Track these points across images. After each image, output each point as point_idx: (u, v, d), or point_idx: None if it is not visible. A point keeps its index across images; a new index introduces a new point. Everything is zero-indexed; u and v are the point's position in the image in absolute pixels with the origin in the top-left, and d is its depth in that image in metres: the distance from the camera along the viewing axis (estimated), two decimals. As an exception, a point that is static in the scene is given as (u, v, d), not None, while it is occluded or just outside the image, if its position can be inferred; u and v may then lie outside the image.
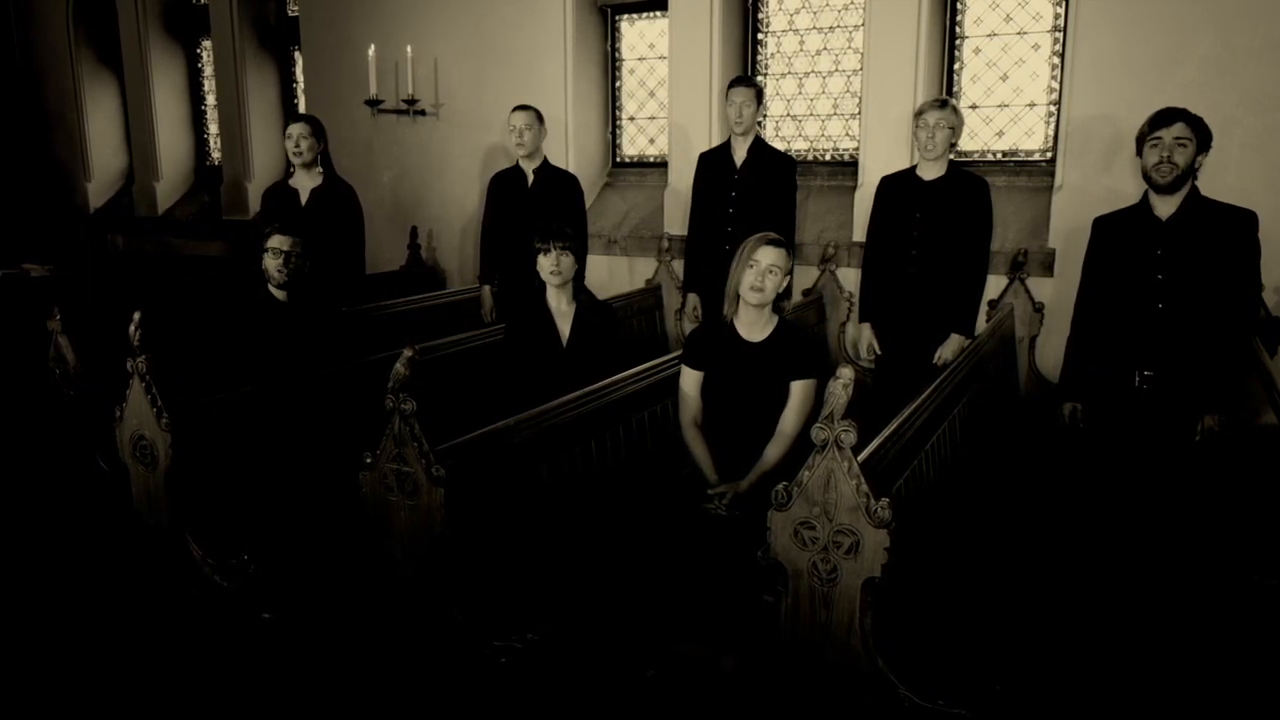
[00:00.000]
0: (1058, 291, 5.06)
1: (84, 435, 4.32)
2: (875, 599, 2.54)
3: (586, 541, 3.30)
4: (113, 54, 9.07)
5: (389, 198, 7.47)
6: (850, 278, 5.57)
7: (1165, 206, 3.60)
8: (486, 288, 5.56)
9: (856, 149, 5.92)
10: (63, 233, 9.35)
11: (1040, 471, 4.22)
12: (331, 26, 7.49)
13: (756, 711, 2.72)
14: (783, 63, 6.28)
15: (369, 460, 2.91)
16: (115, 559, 3.71)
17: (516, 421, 3.16)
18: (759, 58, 6.32)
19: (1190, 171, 3.55)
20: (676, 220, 6.07)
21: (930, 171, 4.41)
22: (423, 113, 7.07)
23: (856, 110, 6.00)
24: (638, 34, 6.76)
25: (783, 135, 6.36)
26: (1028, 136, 5.55)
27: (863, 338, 4.66)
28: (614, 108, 6.93)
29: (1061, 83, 5.18)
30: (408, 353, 2.84)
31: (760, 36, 6.29)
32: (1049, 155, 5.44)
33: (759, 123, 5.20)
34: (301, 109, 8.26)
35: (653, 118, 6.82)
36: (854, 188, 5.77)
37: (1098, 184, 4.92)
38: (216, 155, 9.05)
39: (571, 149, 6.59)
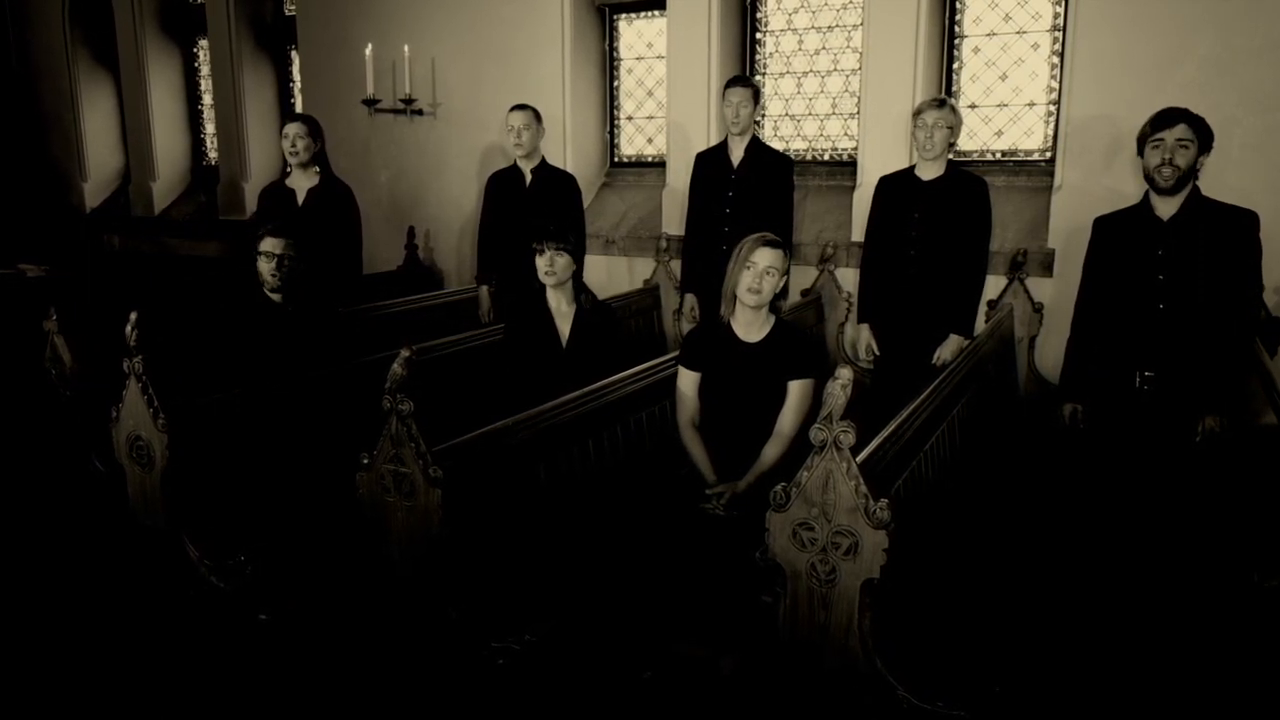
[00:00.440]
0: (1057, 292, 5.05)
1: (80, 436, 4.31)
2: (874, 600, 2.53)
3: (584, 542, 3.29)
4: (109, 54, 9.06)
5: (386, 198, 7.46)
6: (849, 278, 5.56)
7: (1166, 207, 3.59)
8: (484, 288, 5.54)
9: (855, 149, 5.91)
10: (59, 233, 9.34)
11: (1040, 472, 4.21)
12: (328, 26, 7.47)
13: (755, 713, 2.71)
14: (781, 62, 6.27)
15: (366, 461, 2.90)
16: (111, 560, 3.71)
17: (514, 422, 3.15)
18: (757, 57, 6.31)
19: (1192, 172, 3.54)
20: (675, 220, 6.06)
21: (929, 171, 4.40)
22: (420, 112, 7.06)
23: (855, 110, 5.99)
24: (636, 33, 6.75)
25: (781, 135, 6.35)
26: (1027, 136, 5.54)
27: (861, 338, 4.65)
28: (612, 107, 6.92)
29: (1061, 82, 5.18)
30: (405, 353, 2.84)
31: (759, 36, 6.28)
32: (1048, 155, 5.43)
33: (756, 122, 5.19)
34: (298, 109, 8.25)
35: (651, 117, 6.81)
36: (852, 187, 5.76)
37: (1097, 184, 4.91)
38: (213, 155, 9.03)
39: (569, 149, 6.57)
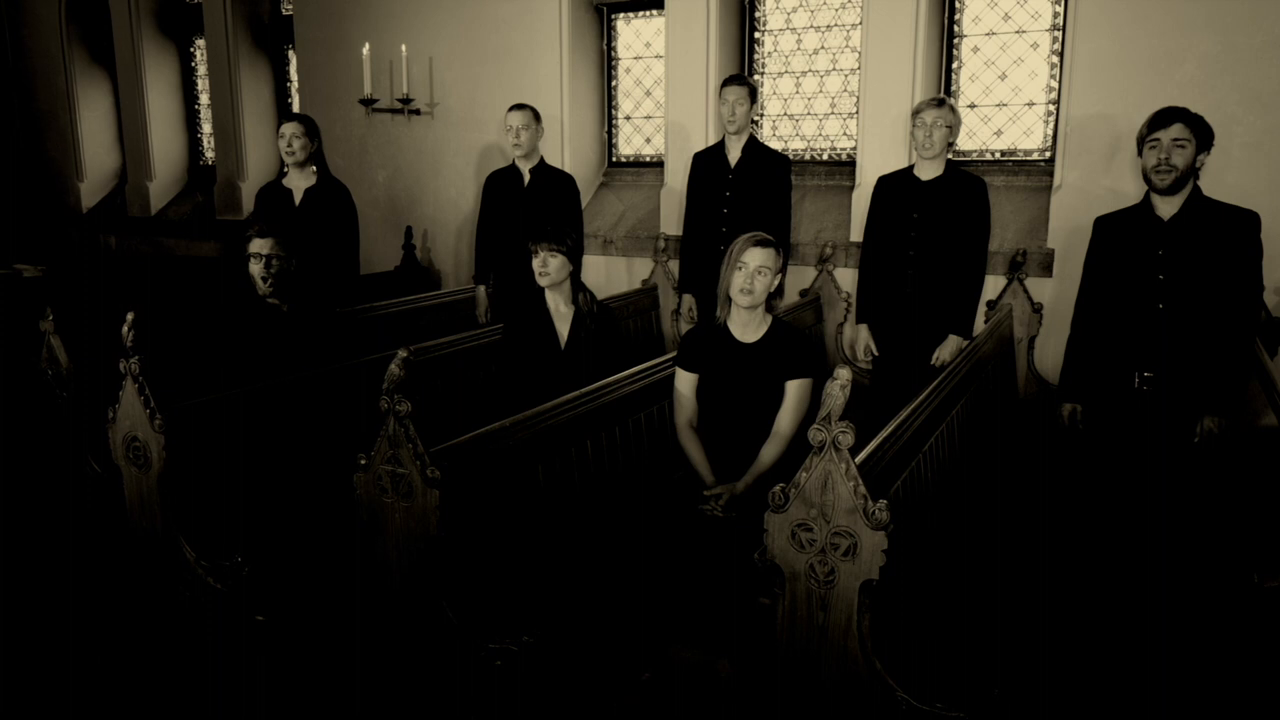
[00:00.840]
0: (1056, 292, 5.05)
1: (76, 437, 4.28)
2: (873, 601, 2.52)
3: (582, 543, 3.29)
4: (105, 53, 9.06)
5: (383, 197, 7.45)
6: (847, 278, 5.56)
7: (1167, 207, 3.58)
8: (482, 288, 5.53)
9: (854, 148, 5.91)
10: (55, 233, 9.33)
11: (1039, 473, 4.20)
12: (325, 25, 7.47)
13: (753, 714, 2.70)
14: (780, 61, 6.26)
15: (363, 462, 2.89)
16: (107, 561, 3.70)
17: (512, 423, 3.14)
18: (756, 56, 6.30)
19: (1191, 172, 3.53)
20: (673, 220, 6.06)
21: (928, 171, 4.38)
22: (417, 112, 7.05)
23: (854, 109, 5.99)
24: (634, 33, 6.74)
25: (780, 134, 6.34)
26: (1026, 136, 5.54)
27: (860, 339, 4.64)
28: (610, 107, 6.91)
29: (1060, 81, 5.17)
30: (402, 353, 2.82)
31: (757, 35, 6.27)
32: (1048, 155, 5.43)
33: (754, 122, 5.18)
34: (295, 108, 8.25)
35: (649, 117, 6.80)
36: (851, 187, 5.76)
37: (1097, 184, 4.91)
38: (210, 155, 9.03)
39: (567, 148, 6.57)
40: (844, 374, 2.53)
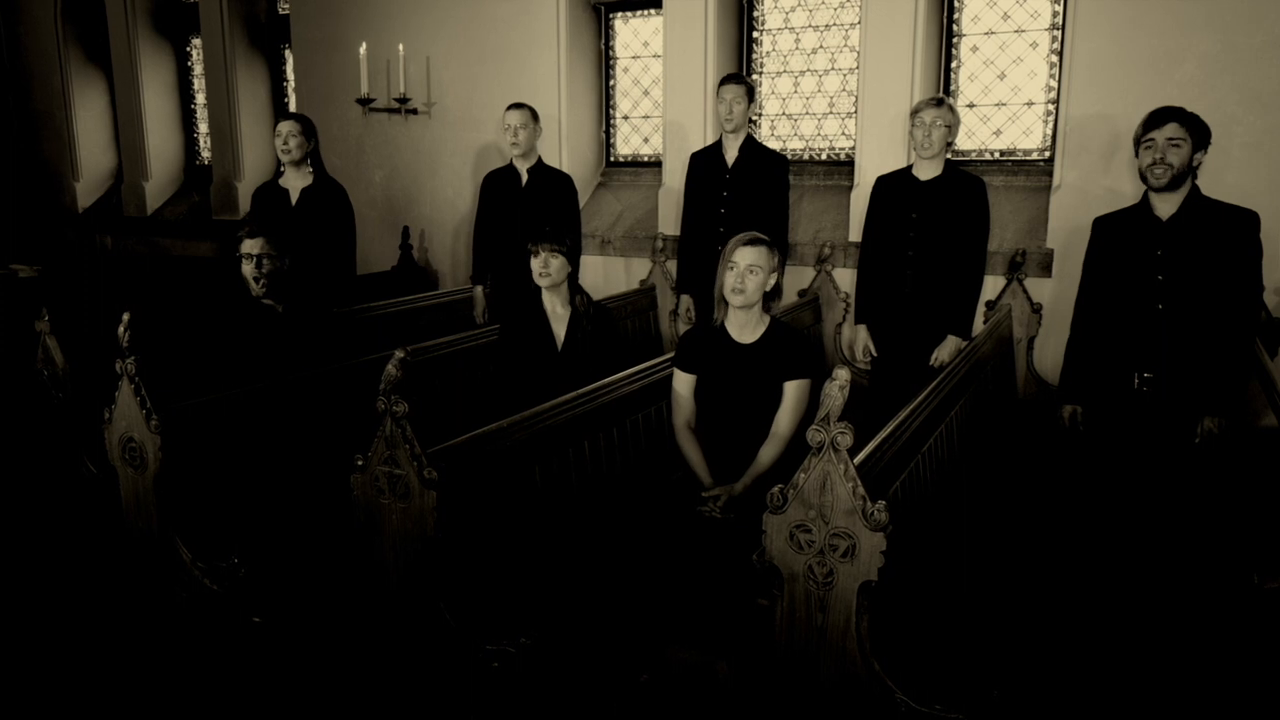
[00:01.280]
0: (1056, 292, 5.04)
1: (72, 438, 4.27)
2: (871, 603, 2.51)
3: (580, 545, 3.28)
4: (101, 52, 9.03)
5: (380, 197, 7.43)
6: (846, 278, 5.54)
7: (1165, 206, 3.57)
8: (479, 288, 5.52)
9: (852, 148, 5.90)
10: (51, 233, 9.31)
11: (1039, 474, 4.20)
12: (322, 24, 7.45)
13: (752, 716, 2.69)
14: (778, 61, 6.25)
15: (360, 463, 2.88)
16: (103, 562, 3.69)
17: (510, 423, 3.13)
18: (754, 56, 6.29)
19: (1188, 171, 3.52)
20: (671, 220, 6.04)
21: (926, 171, 4.38)
22: (414, 111, 7.03)
23: (852, 109, 5.98)
24: (632, 32, 6.73)
25: (778, 134, 6.33)
26: (1026, 135, 5.53)
27: (859, 339, 4.63)
28: (608, 106, 6.90)
29: (1060, 81, 5.16)
30: (399, 354, 2.81)
31: (755, 35, 6.26)
32: (1047, 154, 5.42)
33: (752, 121, 5.17)
34: (292, 108, 8.22)
35: (647, 116, 6.79)
36: (850, 187, 5.75)
37: (1096, 184, 4.90)
38: (206, 155, 9.01)
39: (565, 148, 6.56)
40: (842, 375, 2.52)
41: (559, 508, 3.26)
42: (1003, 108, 5.55)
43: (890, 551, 2.45)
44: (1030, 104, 5.48)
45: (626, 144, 6.95)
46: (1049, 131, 5.42)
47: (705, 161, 5.20)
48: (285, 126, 4.91)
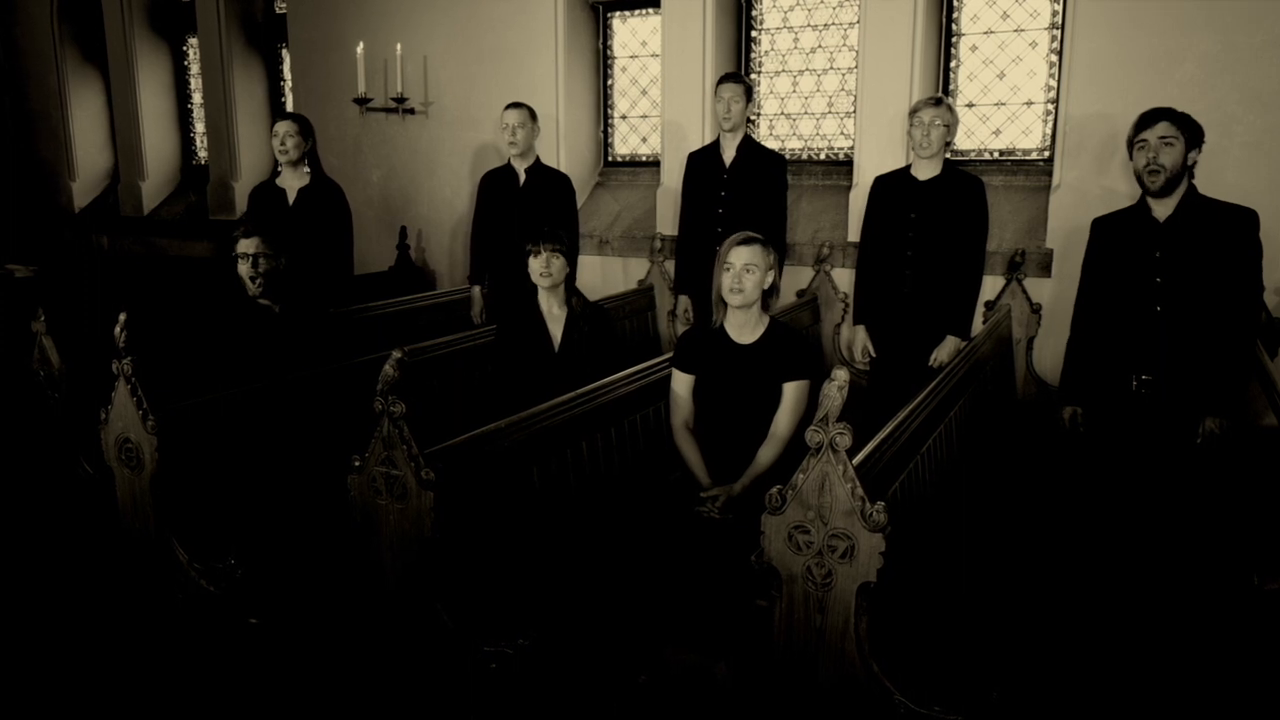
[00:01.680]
0: (1055, 292, 5.03)
1: (69, 438, 4.26)
2: (870, 604, 2.51)
3: (578, 546, 3.27)
4: (98, 52, 9.02)
5: (378, 197, 7.42)
6: (845, 278, 5.53)
7: (1163, 207, 3.57)
8: (477, 288, 5.51)
9: (851, 148, 5.89)
10: (47, 233, 9.30)
11: (1038, 475, 4.19)
12: (319, 24, 7.44)
13: (750, 717, 2.69)
14: (777, 60, 6.24)
15: (357, 463, 2.87)
16: (100, 563, 3.68)
17: (507, 424, 3.12)
18: (753, 55, 6.28)
19: (1183, 170, 3.50)
20: (669, 220, 6.03)
21: (925, 171, 4.37)
22: (412, 111, 7.02)
23: (851, 109, 5.97)
24: (630, 31, 6.72)
25: (777, 134, 6.32)
26: (1025, 135, 5.52)
27: (857, 340, 4.62)
28: (606, 106, 6.89)
29: (1059, 80, 5.16)
30: (397, 354, 2.81)
31: (754, 34, 6.26)
32: (1046, 154, 5.41)
33: (750, 120, 5.16)
34: (289, 107, 8.21)
35: (645, 116, 6.78)
36: (849, 187, 5.74)
37: (1096, 184, 4.89)
38: (203, 154, 9.00)
39: (563, 148, 6.55)
40: (841, 375, 2.51)
41: (557, 509, 3.25)
42: (1002, 107, 5.54)
43: (889, 553, 2.44)
44: (1029, 103, 5.47)
45: (624, 144, 6.94)
46: (1048, 131, 5.42)
47: (703, 161, 5.19)
48: (282, 127, 4.90)
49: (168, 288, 7.60)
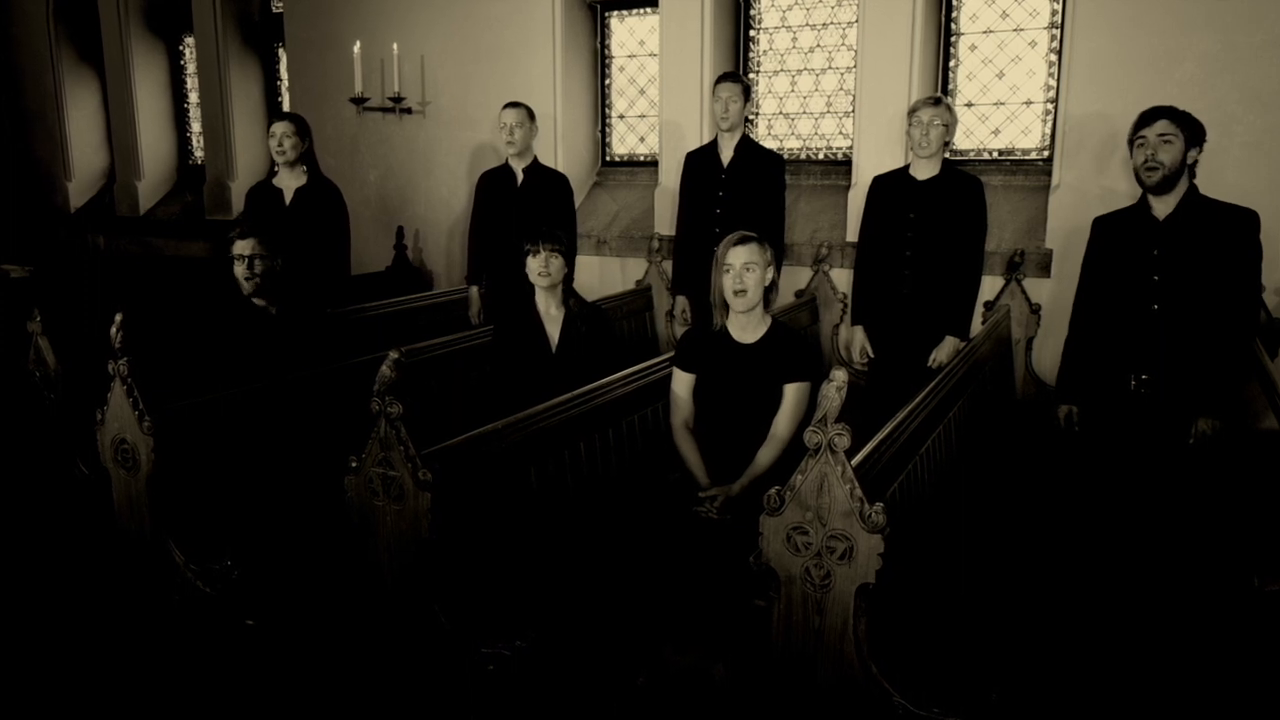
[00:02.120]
0: (1055, 293, 5.02)
1: (64, 439, 4.26)
2: (869, 605, 2.50)
3: (576, 547, 3.26)
4: (94, 51, 8.99)
5: (375, 197, 7.41)
6: (844, 278, 5.52)
7: (1162, 206, 3.56)
8: (474, 288, 5.50)
9: (850, 148, 5.88)
10: (43, 233, 9.28)
11: (1038, 475, 4.18)
12: (316, 23, 7.42)
13: (748, 719, 2.67)
14: (775, 60, 6.23)
15: (354, 464, 2.87)
16: (96, 565, 3.67)
17: (504, 425, 3.11)
18: (751, 55, 6.27)
19: (1182, 169, 3.50)
20: (667, 220, 6.02)
21: (924, 171, 4.36)
22: (409, 110, 7.01)
23: (850, 108, 5.96)
24: (628, 31, 6.71)
25: (775, 134, 6.31)
26: (1024, 135, 5.51)
27: (855, 340, 4.61)
28: (604, 106, 6.88)
29: (1059, 80, 5.15)
30: (394, 355, 2.80)
31: (752, 33, 6.25)
32: (1046, 154, 5.40)
33: (749, 121, 5.14)
34: (286, 107, 8.20)
35: (643, 116, 6.77)
36: (847, 187, 5.73)
37: (1095, 183, 4.89)
38: (199, 154, 8.98)
39: (560, 147, 6.54)
40: (840, 376, 2.51)
41: (555, 509, 3.25)
42: (1001, 107, 5.54)
43: (888, 554, 2.44)
44: (1029, 103, 5.46)
45: (622, 143, 6.93)
46: (1048, 131, 5.41)
47: (700, 161, 5.18)
48: (279, 127, 4.89)
49: (164, 288, 7.59)
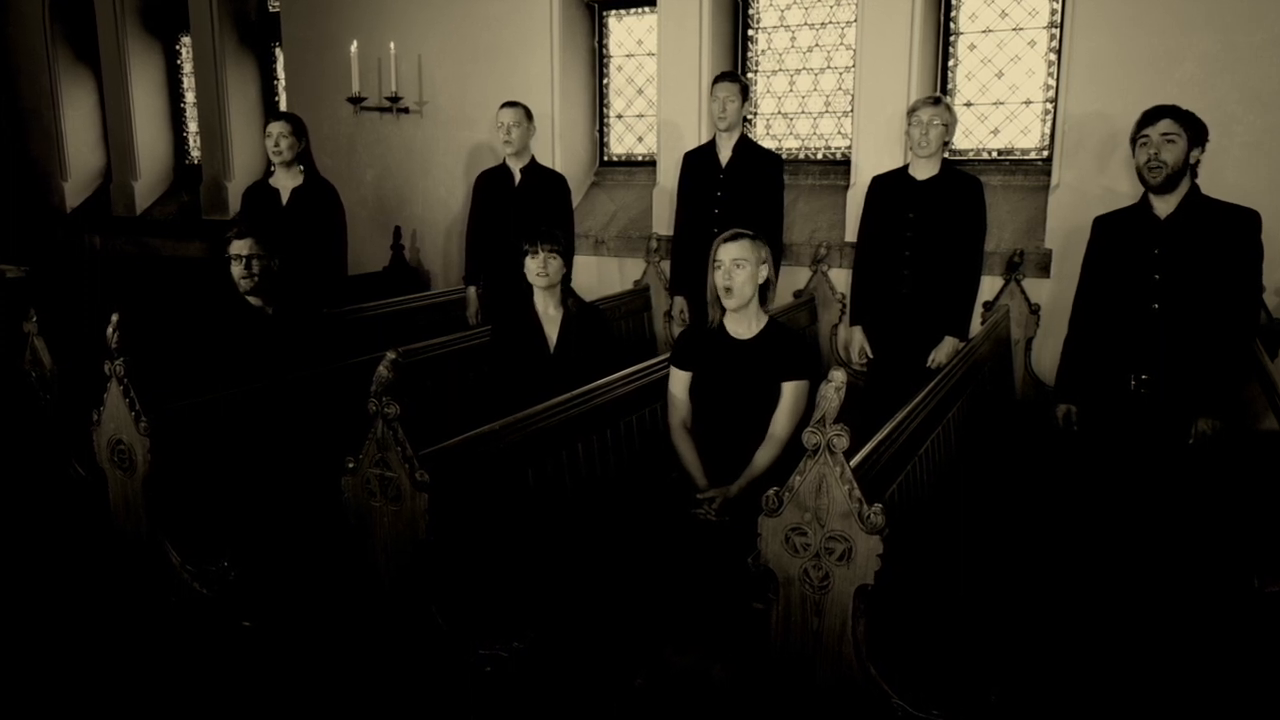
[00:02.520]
0: (1054, 293, 5.01)
1: (60, 440, 4.25)
2: (868, 606, 2.50)
3: (574, 548, 3.26)
4: (90, 51, 8.98)
5: (372, 197, 7.40)
6: (842, 279, 5.52)
7: (1163, 205, 3.55)
8: (472, 289, 5.49)
9: (848, 147, 5.88)
10: (39, 233, 9.26)
11: (1037, 476, 4.17)
12: (313, 22, 7.41)
13: (747, 721, 2.67)
14: (774, 60, 6.22)
15: (351, 465, 2.86)
16: (92, 566, 3.66)
17: (502, 426, 3.11)
18: (749, 54, 6.26)
19: (1184, 168, 3.49)
20: (666, 220, 6.01)
21: (923, 171, 4.35)
22: (406, 110, 7.00)
23: (849, 108, 5.95)
24: (626, 30, 6.70)
25: (774, 133, 6.30)
26: (1024, 134, 5.50)
27: (854, 341, 4.60)
28: (601, 105, 6.87)
29: (1058, 80, 5.14)
30: (391, 355, 2.80)
31: (751, 33, 6.24)
32: (1045, 154, 5.39)
33: (748, 120, 5.14)
34: (283, 106, 8.19)
35: (641, 115, 6.76)
36: (846, 187, 5.72)
37: (1095, 183, 4.88)
38: (196, 154, 8.96)
39: (558, 147, 6.53)
40: (838, 376, 2.50)
41: (552, 510, 3.24)
42: (1000, 106, 5.53)
43: (887, 555, 2.43)
44: (1028, 103, 5.46)
45: (620, 143, 6.92)
46: (1047, 130, 5.40)
47: (699, 161, 5.17)
48: (276, 127, 4.88)
49: (160, 288, 7.58)
